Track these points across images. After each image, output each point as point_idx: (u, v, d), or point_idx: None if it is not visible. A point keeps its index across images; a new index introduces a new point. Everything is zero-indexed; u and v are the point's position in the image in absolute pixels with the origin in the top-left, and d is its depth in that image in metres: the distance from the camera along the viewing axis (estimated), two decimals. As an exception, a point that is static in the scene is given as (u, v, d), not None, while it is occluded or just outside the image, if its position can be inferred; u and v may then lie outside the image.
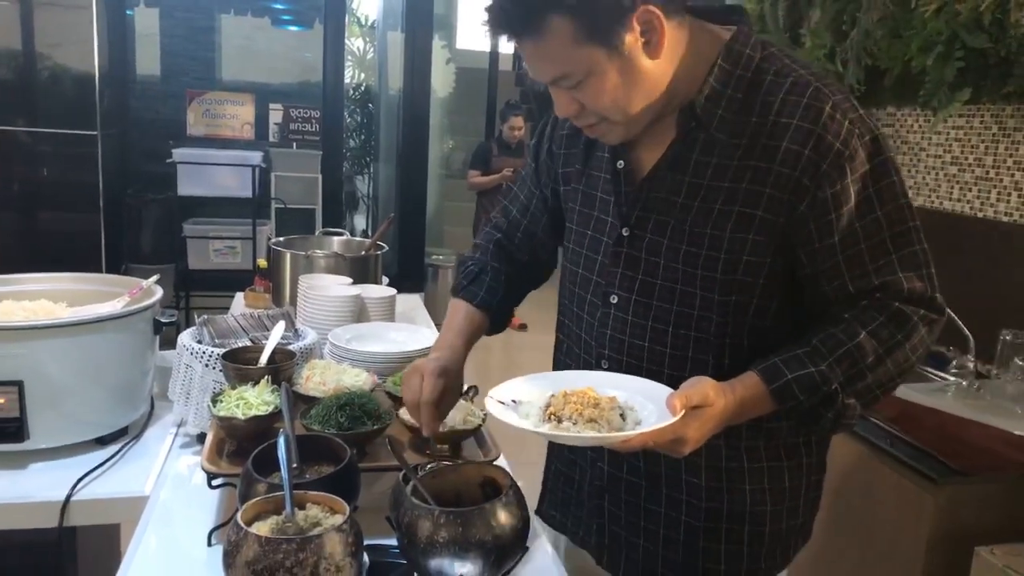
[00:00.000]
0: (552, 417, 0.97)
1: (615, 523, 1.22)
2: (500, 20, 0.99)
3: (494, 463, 1.16)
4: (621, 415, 0.97)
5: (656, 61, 0.99)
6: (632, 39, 0.97)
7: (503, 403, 1.02)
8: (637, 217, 1.10)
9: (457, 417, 1.31)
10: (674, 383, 1.02)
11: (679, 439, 0.94)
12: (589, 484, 1.25)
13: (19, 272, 3.91)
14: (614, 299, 1.13)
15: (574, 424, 0.95)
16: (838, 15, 2.53)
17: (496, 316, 1.32)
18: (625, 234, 1.12)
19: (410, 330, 1.84)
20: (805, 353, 1.00)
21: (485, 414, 1.36)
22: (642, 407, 0.99)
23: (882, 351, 0.99)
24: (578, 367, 1.21)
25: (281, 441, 1.00)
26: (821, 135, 0.98)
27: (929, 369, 2.29)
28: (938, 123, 2.35)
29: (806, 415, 1.01)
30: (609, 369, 1.15)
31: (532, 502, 1.19)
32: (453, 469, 1.07)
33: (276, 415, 1.27)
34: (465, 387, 1.49)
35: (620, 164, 1.13)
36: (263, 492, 1.03)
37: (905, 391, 2.07)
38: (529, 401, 1.02)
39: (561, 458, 1.34)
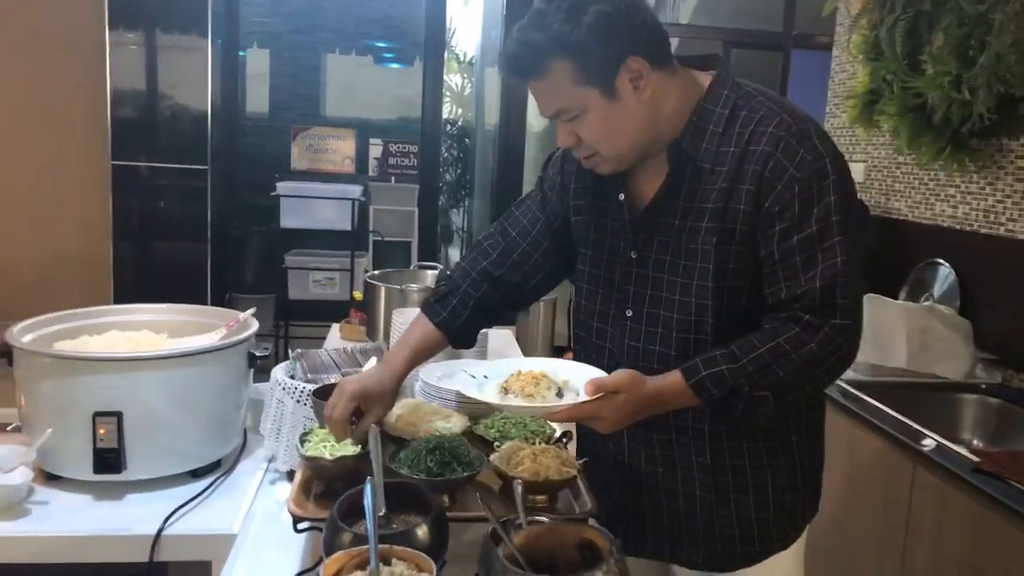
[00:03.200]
0: (503, 390, 1.19)
1: (640, 509, 1.35)
2: (511, 63, 1.20)
3: (595, 525, 1.08)
4: (558, 393, 1.18)
5: (642, 104, 1.18)
6: (622, 83, 1.16)
7: (474, 376, 1.25)
8: (643, 240, 1.28)
9: (552, 467, 1.24)
10: None
11: (594, 417, 1.15)
12: (613, 474, 1.37)
13: (133, 297, 4.09)
14: (629, 312, 1.31)
15: (515, 397, 1.17)
16: (964, 39, 2.36)
17: (456, 337, 1.44)
18: (633, 256, 1.29)
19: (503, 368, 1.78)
20: (721, 354, 1.18)
21: (583, 462, 1.29)
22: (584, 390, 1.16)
23: (793, 354, 1.15)
24: None
25: (368, 491, 0.95)
26: (778, 159, 1.16)
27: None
28: (1082, 154, 2.13)
29: (723, 405, 1.18)
30: None
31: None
32: (549, 529, 1.00)
33: (364, 456, 1.23)
34: (558, 433, 1.43)
35: (621, 196, 1.30)
36: (348, 542, 0.98)
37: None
38: (495, 378, 1.24)
39: (588, 452, 1.41)
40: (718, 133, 1.21)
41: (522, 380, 1.19)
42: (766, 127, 1.18)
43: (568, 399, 1.17)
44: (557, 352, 5.98)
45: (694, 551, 1.34)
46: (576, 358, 1.41)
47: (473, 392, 1.19)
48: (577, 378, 1.22)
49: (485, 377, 1.25)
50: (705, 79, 1.25)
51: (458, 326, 1.42)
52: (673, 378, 1.19)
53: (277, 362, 1.68)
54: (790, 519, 1.34)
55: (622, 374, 1.16)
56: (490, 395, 1.20)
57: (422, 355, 1.41)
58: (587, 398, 1.13)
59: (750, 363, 1.16)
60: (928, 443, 2.02)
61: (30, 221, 4.55)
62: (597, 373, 1.21)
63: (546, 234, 1.43)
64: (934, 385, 2.38)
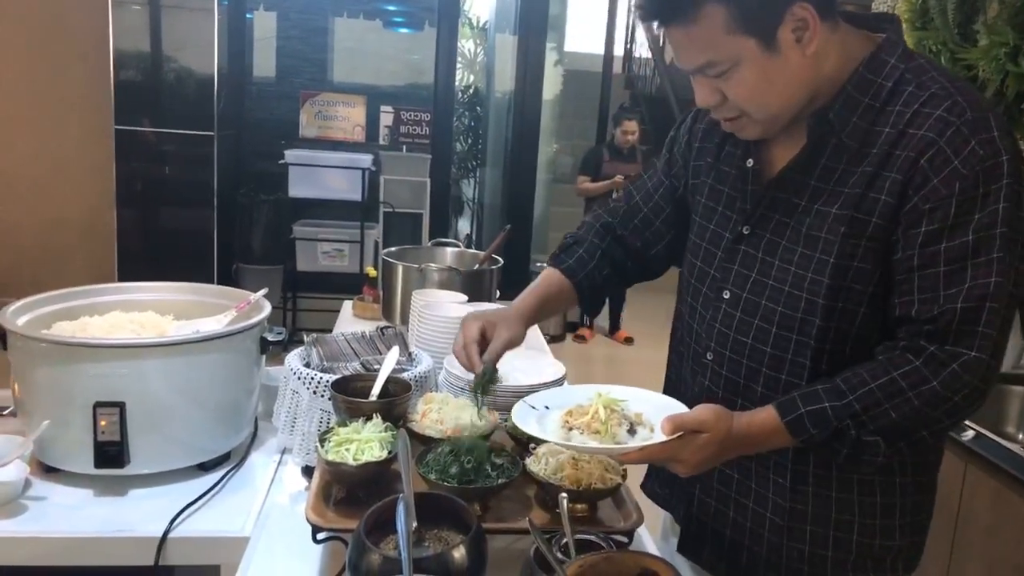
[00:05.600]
0: (565, 424, 1.04)
1: (704, 512, 1.23)
2: (652, 5, 1.00)
3: (656, 555, 0.97)
4: (630, 430, 1.02)
5: (804, 60, 0.99)
6: (784, 34, 0.97)
7: (534, 407, 1.09)
8: (760, 216, 1.12)
9: (595, 473, 1.13)
10: (771, 383, 1.10)
11: (672, 459, 0.99)
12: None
13: (138, 265, 3.97)
14: (726, 295, 1.15)
15: (580, 434, 1.02)
16: (1023, 8, 2.21)
17: (585, 288, 1.35)
18: (746, 232, 1.13)
19: (530, 357, 1.66)
20: (824, 389, 1.01)
21: (625, 470, 1.18)
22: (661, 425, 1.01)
23: (911, 393, 0.98)
24: (688, 357, 1.24)
25: (400, 511, 0.84)
26: (941, 148, 0.96)
27: None
28: None
29: (824, 448, 1.02)
30: (712, 362, 1.17)
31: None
32: (605, 558, 0.89)
33: (388, 461, 1.12)
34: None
35: (750, 163, 1.13)
36: (377, 564, 0.88)
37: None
38: (557, 408, 1.09)
39: None
40: (875, 108, 1.02)
41: (588, 413, 1.03)
42: (933, 109, 0.98)
43: (641, 437, 1.02)
44: (571, 328, 5.90)
45: None
46: (672, 337, 1.32)
47: (532, 427, 1.04)
48: (652, 411, 1.05)
49: (546, 408, 1.10)
50: (870, 42, 1.05)
51: (584, 276, 1.35)
52: (765, 415, 1.03)
53: (290, 340, 1.56)
54: (876, 568, 1.14)
55: (705, 410, 1.00)
56: (552, 431, 1.04)
57: (549, 303, 1.35)
58: (663, 438, 0.97)
59: (857, 401, 0.99)
60: (969, 434, 1.93)
61: (32, 188, 4.42)
62: (675, 406, 1.06)
63: (669, 199, 1.33)
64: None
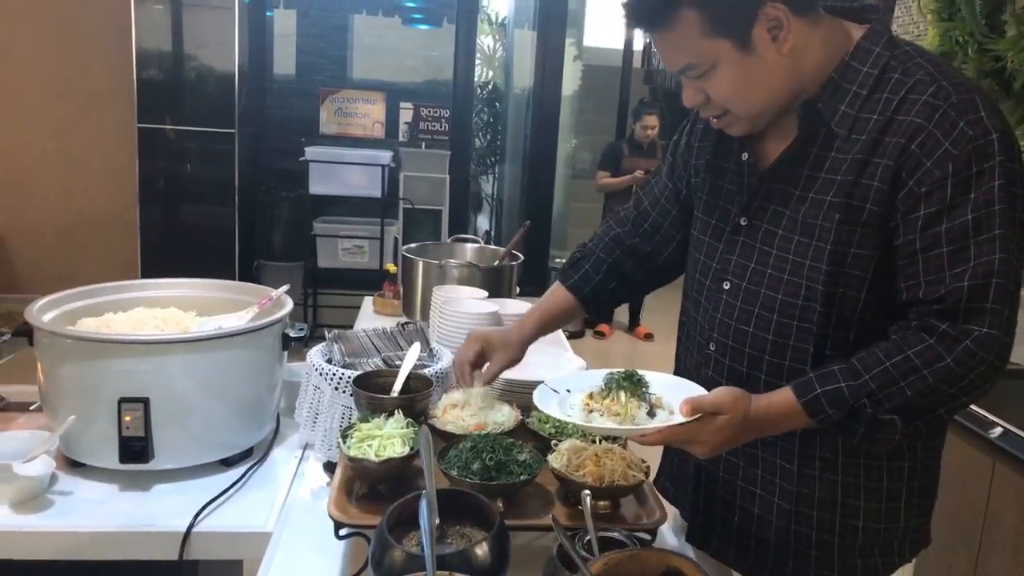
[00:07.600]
0: (586, 407, 1.07)
1: (711, 500, 1.24)
2: (633, 12, 1.05)
3: (681, 553, 0.96)
4: (650, 412, 1.06)
5: (782, 57, 1.02)
6: (759, 34, 1.00)
7: (556, 391, 1.13)
8: (756, 207, 1.14)
9: (617, 470, 1.12)
10: (774, 370, 1.12)
11: (691, 441, 1.02)
12: (693, 461, 1.26)
13: (160, 262, 4.02)
14: (726, 285, 1.17)
15: (601, 416, 1.05)
16: (1054, -3, 2.16)
17: (590, 303, 1.39)
18: (743, 223, 1.15)
19: (551, 353, 1.66)
20: (840, 369, 1.03)
21: (647, 467, 1.17)
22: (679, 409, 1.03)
23: (926, 371, 0.99)
24: (692, 349, 1.26)
25: (423, 508, 0.84)
26: (931, 132, 0.98)
27: None
28: None
29: (841, 427, 1.03)
30: (715, 352, 1.19)
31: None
32: (630, 556, 0.88)
33: (411, 457, 1.12)
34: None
35: (745, 156, 1.16)
36: (399, 561, 0.87)
37: None
38: (579, 391, 1.12)
39: None
40: (861, 96, 1.03)
41: (609, 396, 1.06)
42: (919, 95, 0.99)
43: (660, 419, 1.05)
44: (590, 324, 5.89)
45: (760, 563, 1.19)
46: (680, 331, 1.32)
47: (553, 410, 1.07)
48: (671, 394, 1.08)
49: (568, 391, 1.12)
50: (856, 32, 1.07)
51: (590, 290, 1.38)
52: (782, 396, 1.04)
53: (312, 336, 1.57)
54: (882, 551, 1.16)
55: (723, 392, 1.02)
56: (573, 413, 1.08)
57: (555, 320, 1.40)
58: (682, 419, 0.99)
59: (873, 380, 1.00)
60: (996, 431, 1.91)
61: (56, 186, 4.49)
62: (694, 389, 1.07)
63: (674, 202, 1.34)
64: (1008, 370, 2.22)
